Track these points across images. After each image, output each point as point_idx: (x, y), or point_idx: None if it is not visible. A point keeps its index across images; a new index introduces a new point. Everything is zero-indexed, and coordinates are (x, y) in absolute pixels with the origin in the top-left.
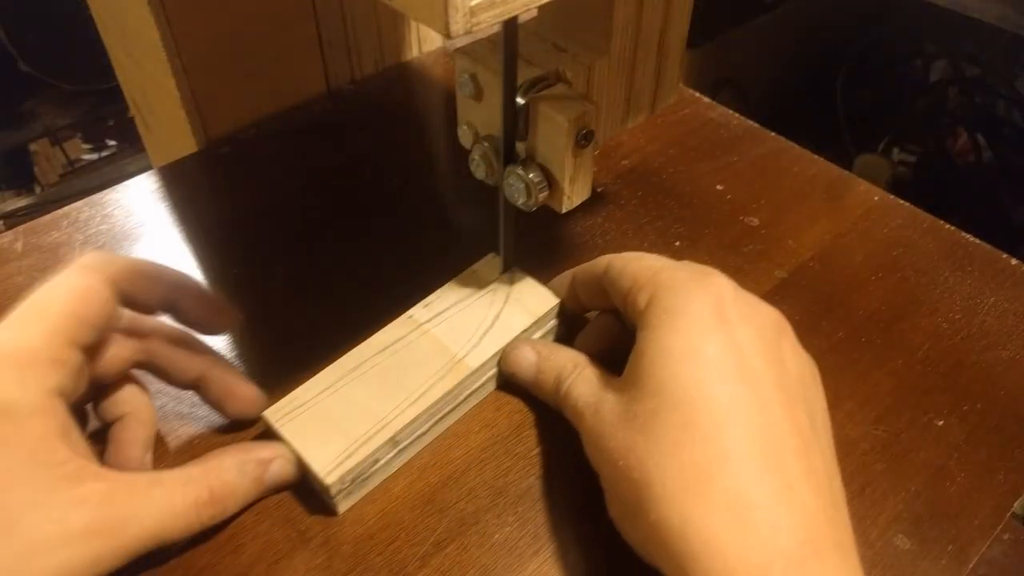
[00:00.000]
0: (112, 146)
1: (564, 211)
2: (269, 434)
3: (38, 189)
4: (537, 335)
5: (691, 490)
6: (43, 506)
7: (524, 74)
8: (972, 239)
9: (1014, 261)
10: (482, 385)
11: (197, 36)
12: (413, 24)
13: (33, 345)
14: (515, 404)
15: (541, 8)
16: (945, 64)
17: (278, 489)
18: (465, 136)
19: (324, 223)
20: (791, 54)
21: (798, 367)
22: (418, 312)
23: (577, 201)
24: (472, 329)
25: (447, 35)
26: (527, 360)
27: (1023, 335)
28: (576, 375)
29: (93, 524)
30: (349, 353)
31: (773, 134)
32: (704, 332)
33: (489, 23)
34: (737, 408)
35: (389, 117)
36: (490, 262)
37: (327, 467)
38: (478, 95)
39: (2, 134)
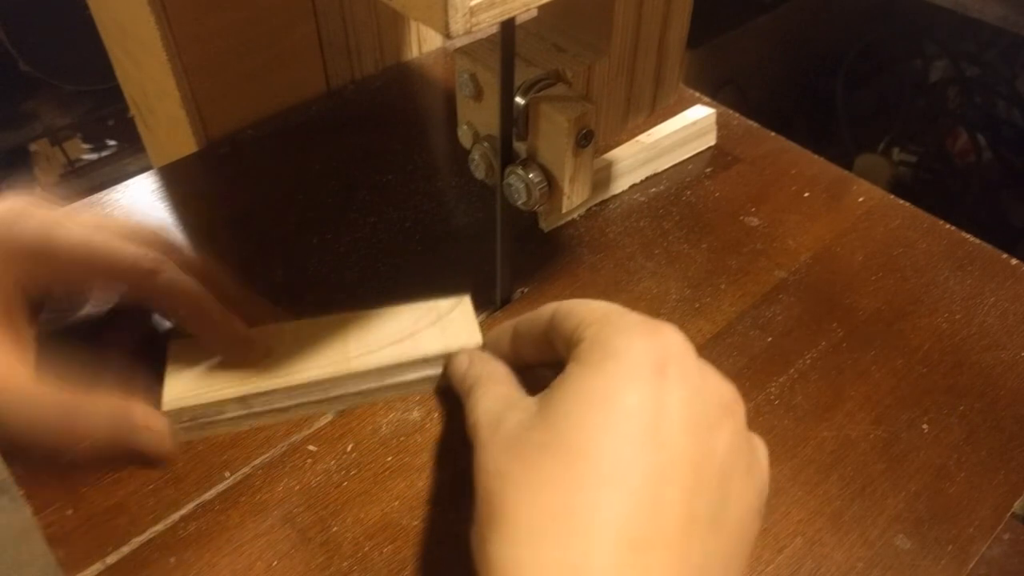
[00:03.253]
0: (112, 146)
1: (564, 211)
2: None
3: (38, 189)
4: (437, 370)
5: (537, 535)
6: None
7: (524, 74)
8: (972, 239)
9: (1014, 261)
10: (362, 391)
11: (197, 36)
12: (413, 24)
13: None
14: None
15: (541, 8)
16: (945, 64)
17: (140, 461)
18: (465, 136)
19: (324, 223)
20: (791, 54)
21: (730, 454)
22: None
23: (577, 201)
24: (385, 337)
25: (447, 35)
26: (459, 367)
27: (1023, 335)
28: (486, 389)
29: None
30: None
31: (773, 134)
32: (631, 380)
33: (489, 23)
34: (627, 474)
35: (389, 117)
36: (460, 300)
37: (172, 397)
38: (478, 95)
39: (2, 134)
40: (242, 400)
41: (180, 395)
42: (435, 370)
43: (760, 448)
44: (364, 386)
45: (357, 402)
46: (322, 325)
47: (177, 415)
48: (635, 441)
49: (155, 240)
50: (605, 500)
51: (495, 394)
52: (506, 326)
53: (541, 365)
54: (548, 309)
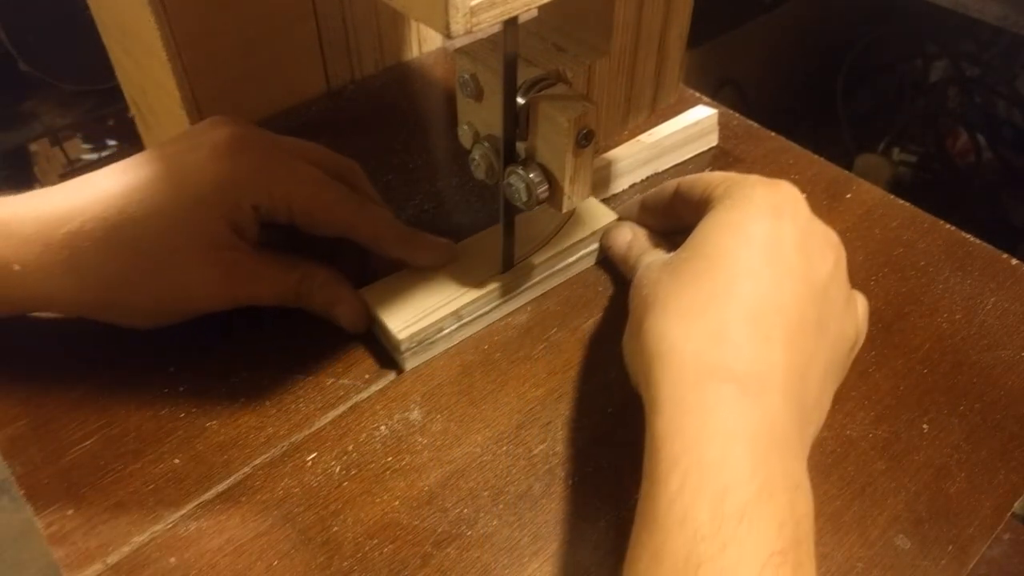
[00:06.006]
0: (112, 146)
1: (564, 211)
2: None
3: (37, 188)
4: (592, 247)
5: (684, 314)
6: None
7: (524, 74)
8: (972, 239)
9: (1014, 261)
10: (540, 281)
11: (197, 36)
12: (413, 24)
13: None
14: (514, 404)
15: (541, 8)
16: (945, 64)
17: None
18: (465, 136)
19: None
20: (791, 54)
21: (832, 281)
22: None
23: (577, 201)
24: (536, 236)
25: (447, 35)
26: (624, 238)
27: (1023, 335)
28: (651, 256)
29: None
30: None
31: (773, 134)
32: (755, 216)
33: (489, 23)
34: (753, 274)
35: (389, 117)
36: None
37: (399, 327)
38: (478, 95)
39: (2, 134)
40: (455, 314)
41: (404, 324)
42: (587, 249)
43: (859, 299)
44: (540, 276)
45: (538, 292)
46: (479, 240)
47: (407, 342)
48: (758, 255)
49: (352, 174)
50: (737, 289)
51: (657, 252)
52: (634, 201)
53: (665, 232)
54: (671, 184)
